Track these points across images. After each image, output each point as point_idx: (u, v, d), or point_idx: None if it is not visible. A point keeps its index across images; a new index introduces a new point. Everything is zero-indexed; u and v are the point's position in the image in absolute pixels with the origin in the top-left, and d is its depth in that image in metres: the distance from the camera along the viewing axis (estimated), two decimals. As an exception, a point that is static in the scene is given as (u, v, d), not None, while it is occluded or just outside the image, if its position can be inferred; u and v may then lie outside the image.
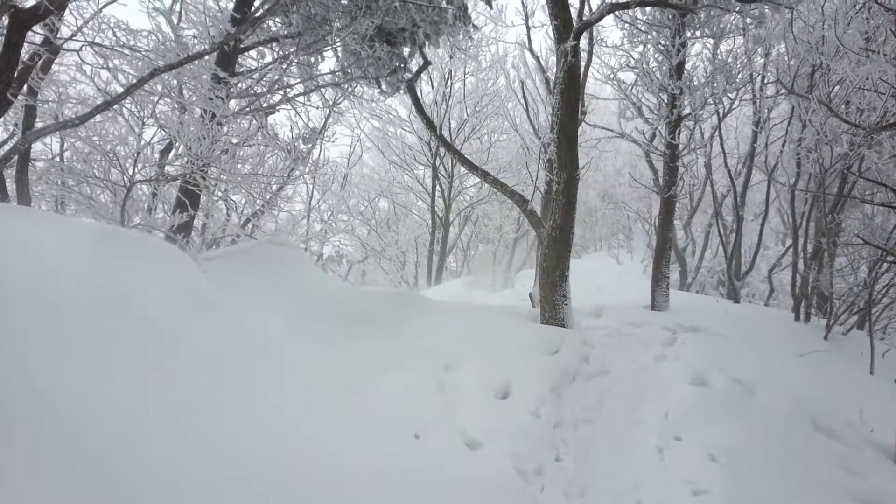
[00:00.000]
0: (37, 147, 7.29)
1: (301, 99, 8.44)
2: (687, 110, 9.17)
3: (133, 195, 6.02)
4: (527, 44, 11.06)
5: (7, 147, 6.36)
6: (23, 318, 2.79)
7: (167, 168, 6.70)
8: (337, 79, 8.30)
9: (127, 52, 6.07)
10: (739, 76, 9.83)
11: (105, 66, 5.93)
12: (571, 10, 7.38)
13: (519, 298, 12.36)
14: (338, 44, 7.64)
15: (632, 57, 9.60)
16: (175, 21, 7.10)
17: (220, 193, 7.77)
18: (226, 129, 6.62)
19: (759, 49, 10.12)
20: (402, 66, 8.10)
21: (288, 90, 8.14)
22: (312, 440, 3.72)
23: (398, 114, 19.05)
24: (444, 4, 7.53)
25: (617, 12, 8.62)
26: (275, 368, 4.31)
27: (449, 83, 17.87)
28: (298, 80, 8.21)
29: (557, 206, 7.22)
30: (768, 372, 5.89)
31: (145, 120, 6.24)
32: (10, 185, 6.35)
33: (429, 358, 5.61)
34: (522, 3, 10.73)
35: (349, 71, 8.02)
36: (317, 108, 9.95)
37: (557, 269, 7.28)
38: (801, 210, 9.44)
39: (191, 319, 3.89)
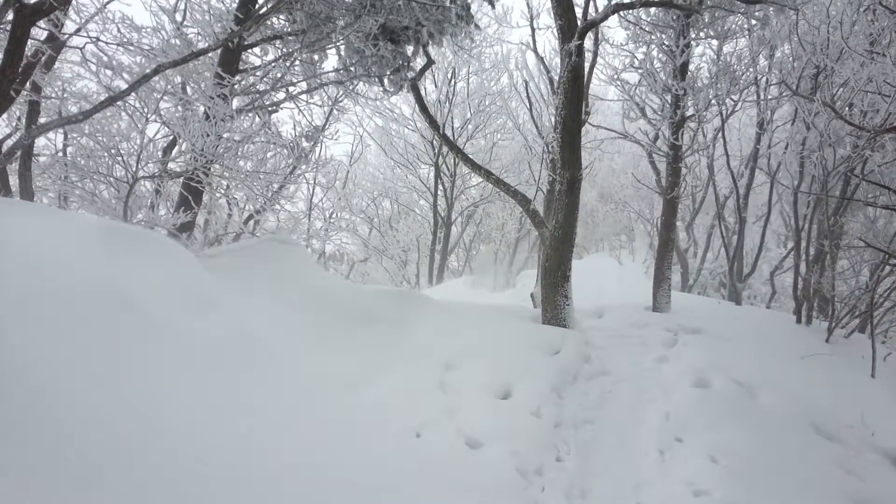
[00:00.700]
0: (40, 142, 7.30)
1: (304, 97, 8.44)
2: (690, 111, 9.16)
3: (136, 192, 6.02)
4: (531, 44, 11.05)
5: (10, 142, 6.36)
6: (24, 313, 2.79)
7: (170, 165, 6.70)
8: (340, 77, 8.29)
9: (131, 48, 6.07)
10: (743, 78, 9.82)
11: (109, 63, 5.93)
12: (576, 10, 7.37)
13: (520, 298, 12.38)
14: (341, 42, 7.63)
15: (636, 57, 9.60)
16: (179, 18, 7.11)
17: (222, 191, 7.77)
18: (229, 126, 6.62)
19: (763, 51, 10.11)
20: (406, 64, 8.09)
21: (291, 88, 8.14)
22: (313, 438, 3.72)
23: (402, 112, 19.07)
24: (447, 4, 7.52)
25: (621, 12, 8.62)
26: (276, 366, 4.32)
27: (452, 82, 17.87)
28: (302, 78, 8.21)
29: (560, 207, 7.22)
30: (769, 374, 5.89)
31: (149, 116, 6.24)
32: (14, 180, 6.36)
33: (430, 357, 5.61)
34: (528, 4, 10.71)
35: (352, 69, 8.02)
36: (320, 106, 9.95)
37: (559, 270, 7.27)
38: (804, 212, 9.42)
39: (193, 316, 3.89)
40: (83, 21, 5.90)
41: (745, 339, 7.13)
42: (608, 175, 23.03)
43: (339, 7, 7.13)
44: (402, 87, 8.43)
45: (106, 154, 6.13)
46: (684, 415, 4.94)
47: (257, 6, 7.11)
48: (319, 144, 10.39)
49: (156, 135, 6.55)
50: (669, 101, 9.05)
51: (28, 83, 5.62)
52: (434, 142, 18.82)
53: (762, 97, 11.40)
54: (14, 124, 7.39)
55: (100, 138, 6.07)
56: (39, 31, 5.98)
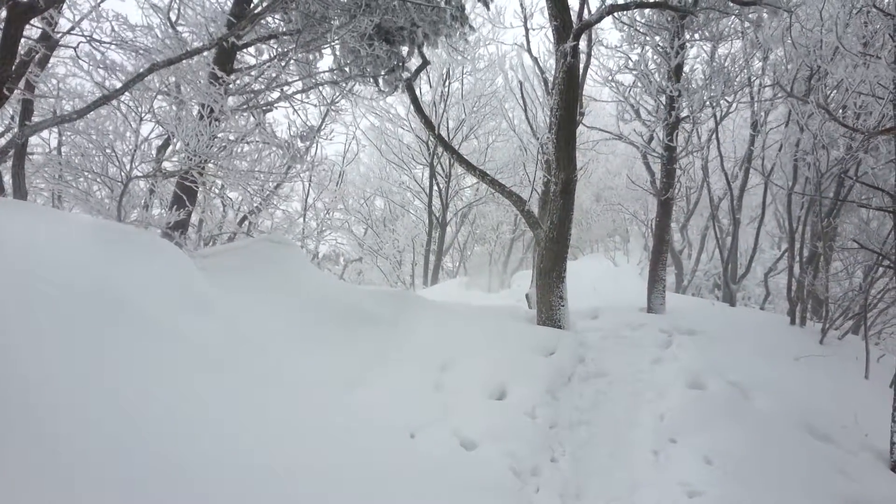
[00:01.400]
0: (34, 141, 7.25)
1: (299, 97, 8.42)
2: (685, 113, 9.18)
3: (130, 191, 5.99)
4: (525, 45, 11.04)
5: (4, 141, 6.33)
6: (18, 313, 2.77)
7: (165, 164, 6.67)
8: (335, 77, 8.28)
9: (125, 47, 6.05)
10: (737, 79, 9.84)
11: (103, 63, 5.90)
12: (571, 11, 7.38)
13: (515, 299, 12.36)
14: (337, 42, 7.62)
15: (630, 59, 9.61)
16: (174, 18, 7.08)
17: (216, 190, 7.76)
18: (223, 125, 6.60)
19: (756, 52, 10.14)
20: (401, 64, 8.09)
21: (286, 87, 8.13)
22: (307, 438, 3.71)
23: (397, 112, 19.05)
24: (442, 4, 7.52)
25: (616, 14, 8.62)
26: (270, 366, 4.30)
27: (447, 83, 17.87)
28: (297, 78, 8.19)
29: (555, 207, 7.22)
30: (764, 375, 5.90)
31: (143, 115, 6.22)
32: (7, 179, 6.33)
33: (425, 358, 5.61)
34: (521, 4, 10.71)
35: (348, 69, 8.01)
36: (315, 105, 9.93)
37: (554, 271, 7.28)
38: (798, 214, 9.45)
39: (187, 316, 3.88)
40: (77, 19, 5.88)
41: (740, 341, 7.15)
42: (603, 176, 23.04)
43: (335, 7, 7.12)
44: (398, 87, 8.43)
45: (100, 153, 6.10)
46: (679, 416, 4.95)
47: (252, 5, 7.09)
48: (314, 144, 10.38)
49: (150, 134, 6.53)
50: (664, 103, 9.06)
51: (22, 82, 5.60)
52: (429, 142, 18.80)
53: (756, 99, 11.43)
54: (7, 123, 7.35)
55: (94, 137, 6.04)
56: (34, 30, 5.95)
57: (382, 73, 8.01)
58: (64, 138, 7.18)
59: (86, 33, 5.95)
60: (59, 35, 5.86)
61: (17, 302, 2.82)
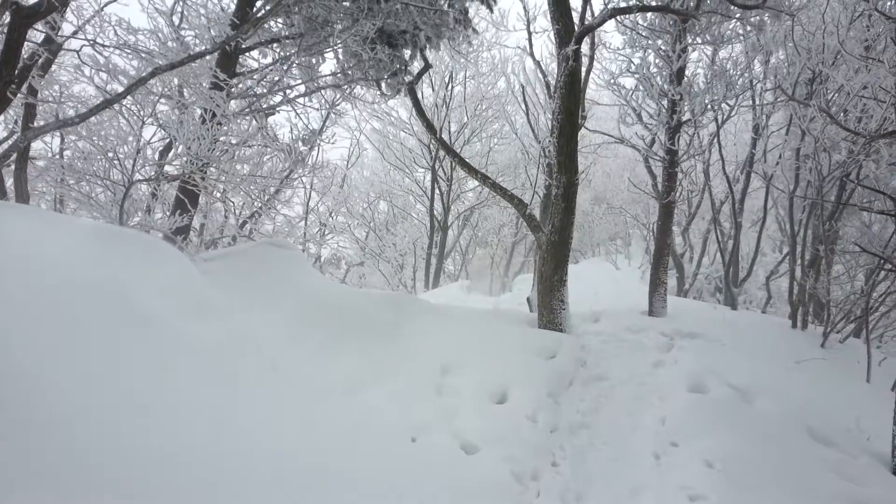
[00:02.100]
0: (37, 145, 7.28)
1: (301, 100, 8.44)
2: (686, 116, 9.18)
3: (132, 194, 6.00)
4: (528, 48, 11.05)
5: (6, 145, 6.35)
6: (21, 316, 2.78)
7: (166, 168, 6.69)
8: (338, 80, 8.30)
9: (128, 51, 6.07)
10: (739, 83, 9.85)
11: (105, 67, 5.92)
12: (573, 14, 7.39)
13: (517, 303, 12.35)
14: (339, 45, 7.64)
15: (632, 62, 9.62)
16: (177, 21, 7.10)
17: (218, 194, 7.76)
18: (225, 129, 6.61)
19: (758, 56, 10.14)
20: (403, 68, 8.10)
21: (288, 91, 8.14)
22: (309, 440, 3.71)
23: (399, 115, 19.08)
24: (445, 8, 7.54)
25: (618, 17, 8.63)
26: (271, 369, 4.31)
27: (450, 86, 17.89)
28: (299, 82, 8.21)
29: (556, 211, 7.23)
30: (765, 379, 5.90)
31: (145, 119, 6.23)
32: (10, 183, 6.34)
33: (426, 361, 5.61)
34: (524, 8, 10.72)
35: (350, 72, 8.02)
36: (317, 109, 9.95)
37: (556, 274, 7.28)
38: (799, 217, 9.44)
39: (188, 319, 3.89)
40: (80, 23, 5.90)
41: (741, 344, 7.14)
42: (604, 179, 23.06)
43: (337, 11, 7.14)
44: (400, 90, 8.44)
45: (102, 157, 6.12)
46: (680, 419, 4.95)
47: (255, 9, 7.11)
48: (316, 148, 10.39)
49: (152, 137, 6.54)
50: (666, 106, 9.07)
51: (24, 86, 5.61)
52: (431, 146, 18.83)
53: (758, 102, 11.43)
54: (10, 127, 7.37)
55: (96, 141, 6.05)
56: (36, 34, 5.98)
57: (385, 76, 8.02)
58: (66, 142, 7.20)
59: (89, 37, 5.97)
60: (62, 39, 5.88)
61: (21, 304, 2.83)
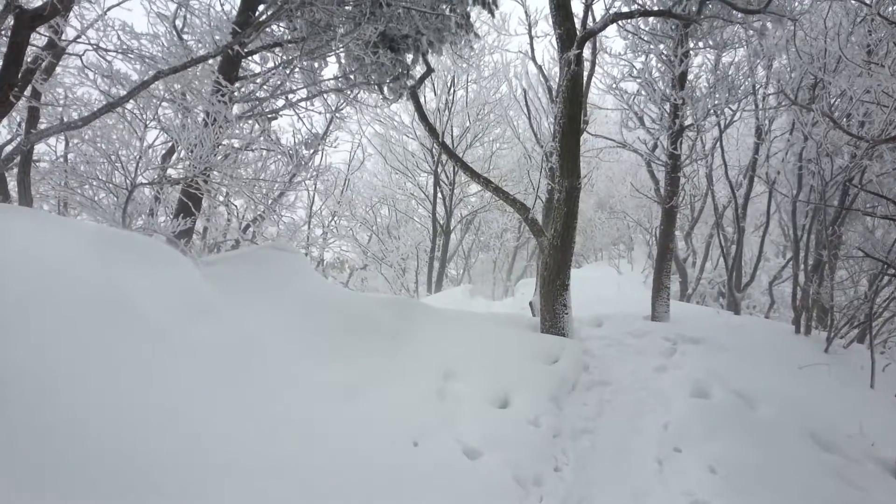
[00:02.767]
0: (40, 148, 7.30)
1: (304, 104, 8.45)
2: (689, 121, 9.19)
3: (135, 198, 6.01)
4: (530, 53, 11.06)
5: (10, 148, 6.36)
6: (23, 318, 2.78)
7: (169, 171, 6.70)
8: (340, 84, 8.31)
9: (131, 55, 6.08)
10: (741, 87, 9.85)
11: (108, 71, 5.94)
12: (575, 19, 7.40)
13: (519, 307, 12.35)
14: (341, 49, 7.65)
15: (634, 67, 9.63)
16: (180, 26, 7.12)
17: (221, 198, 7.77)
18: (228, 132, 6.62)
19: (760, 61, 10.15)
20: (405, 72, 8.11)
21: (291, 95, 8.15)
22: (311, 445, 3.70)
23: (401, 120, 19.12)
24: (447, 12, 7.55)
25: (620, 22, 8.65)
26: (273, 373, 4.30)
27: (452, 91, 17.92)
28: (302, 86, 8.22)
29: (559, 215, 7.22)
30: (768, 384, 5.88)
31: (148, 123, 6.24)
32: (13, 186, 6.35)
33: (428, 365, 5.59)
34: (526, 12, 10.74)
35: (352, 77, 8.03)
36: (319, 113, 9.96)
37: (558, 279, 7.27)
38: (802, 222, 9.43)
39: (190, 322, 3.88)
40: (83, 27, 5.91)
41: (744, 349, 7.12)
42: (607, 184, 23.06)
43: (339, 15, 7.15)
44: (402, 94, 8.45)
45: (105, 160, 6.13)
46: (683, 425, 4.94)
47: (257, 13, 7.13)
48: (319, 152, 10.40)
49: (155, 141, 6.56)
50: (668, 111, 9.07)
51: (28, 89, 5.63)
52: (433, 150, 18.85)
53: (760, 107, 11.43)
54: (14, 130, 7.39)
55: (99, 144, 6.06)
56: (40, 38, 5.99)
57: (387, 80, 8.03)
58: (71, 146, 7.22)
59: (92, 41, 5.99)
60: (65, 43, 5.90)
61: (22, 307, 2.83)
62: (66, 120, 6.36)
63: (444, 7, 7.54)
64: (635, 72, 9.57)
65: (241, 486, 2.97)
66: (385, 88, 8.26)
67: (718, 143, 12.28)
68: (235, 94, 7.10)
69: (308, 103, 8.45)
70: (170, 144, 6.86)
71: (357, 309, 6.22)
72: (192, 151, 5.97)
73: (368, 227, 21.68)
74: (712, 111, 9.76)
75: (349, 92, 8.55)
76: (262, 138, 7.36)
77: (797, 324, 8.51)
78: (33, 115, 6.12)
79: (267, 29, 7.21)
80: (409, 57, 8.08)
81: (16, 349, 2.63)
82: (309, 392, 4.41)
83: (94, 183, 6.28)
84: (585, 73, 8.65)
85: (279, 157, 7.77)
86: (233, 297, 4.94)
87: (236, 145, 7.08)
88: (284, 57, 7.78)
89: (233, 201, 8.15)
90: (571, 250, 7.40)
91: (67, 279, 3.21)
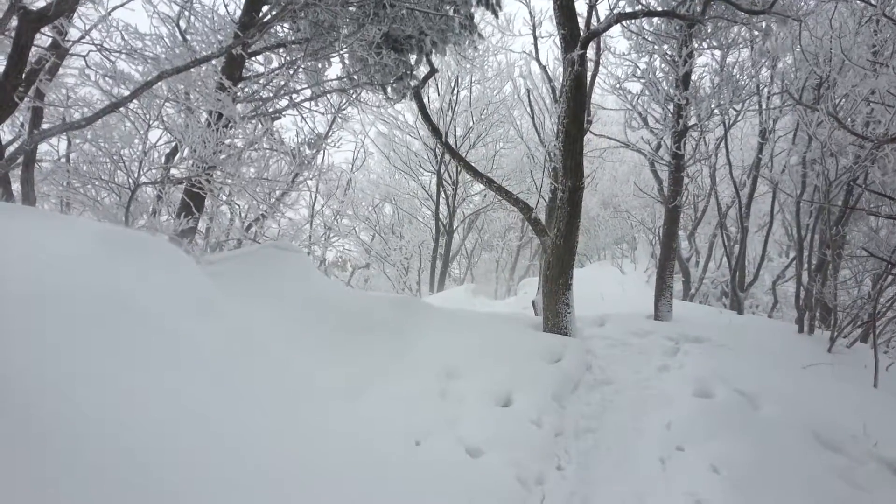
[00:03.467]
0: (43, 148, 7.32)
1: (307, 104, 8.47)
2: (693, 121, 9.17)
3: (138, 197, 6.02)
4: (534, 53, 11.06)
5: (13, 147, 6.38)
6: (24, 317, 2.79)
7: (172, 171, 6.72)
8: (343, 84, 8.32)
9: (134, 55, 6.10)
10: (746, 88, 9.83)
11: (111, 72, 5.95)
12: (579, 19, 7.39)
13: (522, 306, 12.36)
14: (345, 50, 7.66)
15: (638, 67, 9.62)
16: (183, 26, 7.13)
17: (224, 197, 7.78)
18: (231, 132, 6.63)
19: (765, 61, 10.13)
20: (409, 73, 8.12)
21: (294, 95, 8.16)
22: (313, 443, 3.71)
23: (405, 119, 19.14)
24: (451, 13, 7.55)
25: (624, 22, 8.64)
26: (276, 372, 4.31)
27: (455, 91, 17.93)
28: (305, 86, 8.23)
29: (562, 215, 7.22)
30: (771, 384, 5.87)
31: (151, 122, 6.26)
32: (16, 186, 6.37)
33: (431, 364, 5.60)
34: (530, 13, 10.74)
35: (356, 77, 8.04)
36: (323, 113, 9.98)
37: (561, 278, 7.27)
38: (806, 222, 9.41)
39: (193, 321, 3.89)
40: (87, 28, 5.93)
41: (747, 349, 7.11)
42: (610, 183, 23.05)
43: (343, 16, 7.16)
44: (406, 95, 8.47)
45: (108, 160, 6.14)
46: (686, 424, 4.93)
47: (261, 14, 7.14)
48: (322, 152, 10.41)
49: (158, 140, 6.57)
50: (672, 111, 9.06)
51: (32, 89, 5.65)
52: (436, 150, 18.86)
53: (764, 107, 11.41)
54: (17, 130, 7.41)
55: (102, 144, 6.08)
56: (44, 39, 6.01)
57: (390, 81, 8.04)
58: (73, 146, 7.23)
59: (96, 42, 6.01)
60: (69, 44, 5.92)
61: (23, 304, 2.83)
62: (68, 120, 6.38)
63: (448, 8, 7.55)
64: (639, 72, 9.56)
65: (236, 484, 2.97)
66: (388, 89, 8.28)
67: (722, 142, 12.26)
68: (239, 94, 7.11)
69: (311, 103, 8.46)
70: (173, 144, 6.87)
71: (359, 308, 6.23)
72: (195, 151, 5.99)
73: (371, 227, 21.70)
74: (716, 111, 9.74)
75: (353, 92, 8.56)
76: (265, 138, 7.37)
77: (800, 323, 8.50)
78: (37, 115, 6.14)
79: (271, 30, 7.22)
80: (413, 57, 8.09)
81: (19, 348, 2.64)
82: (311, 391, 4.42)
83: (97, 182, 6.29)
84: (589, 74, 8.66)
85: (282, 156, 7.79)
86: (236, 296, 4.95)
87: (239, 145, 7.09)
88: (288, 57, 7.80)
89: (236, 201, 8.15)
90: (574, 250, 7.39)
91: (71, 278, 3.22)
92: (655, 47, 9.21)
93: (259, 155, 7.52)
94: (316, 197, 15.08)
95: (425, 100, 9.58)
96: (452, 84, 17.85)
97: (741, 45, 9.64)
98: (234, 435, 3.26)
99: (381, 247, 21.26)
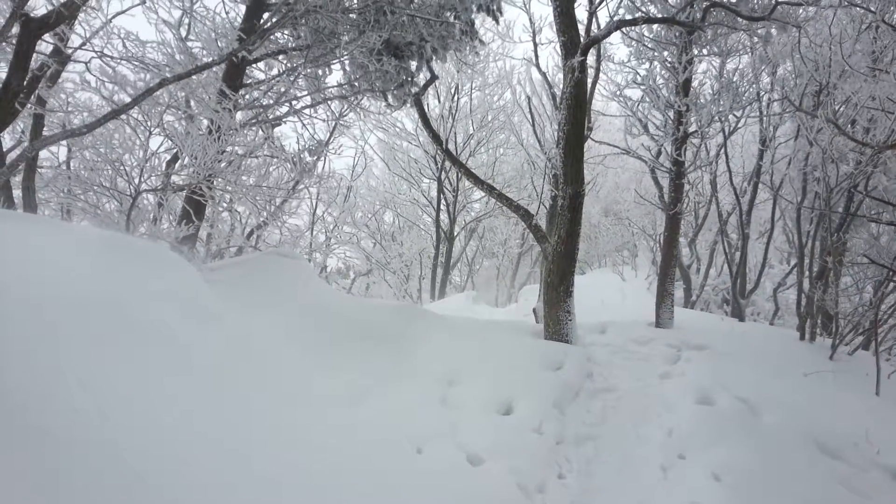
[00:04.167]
0: (44, 155, 7.32)
1: (308, 111, 8.47)
2: (693, 128, 9.18)
3: (139, 204, 6.03)
4: (534, 60, 11.09)
5: (14, 154, 6.39)
6: (25, 324, 2.78)
7: (173, 178, 6.72)
8: (344, 91, 8.33)
9: (135, 62, 6.11)
10: (746, 94, 9.84)
11: (113, 79, 5.97)
12: (579, 26, 7.40)
13: (523, 314, 12.33)
14: (346, 57, 7.67)
15: (638, 74, 9.62)
16: (184, 33, 7.15)
17: (225, 204, 7.79)
18: (232, 139, 6.64)
19: (765, 67, 10.14)
20: (409, 79, 8.13)
21: (295, 102, 8.18)
22: (313, 450, 3.69)
23: (405, 127, 19.15)
24: (451, 20, 7.56)
25: (624, 29, 8.65)
26: (276, 379, 4.30)
27: (456, 97, 17.96)
28: (306, 93, 8.25)
29: (562, 222, 7.21)
30: (773, 391, 5.85)
31: (152, 130, 6.27)
32: (17, 193, 6.38)
33: (431, 372, 5.59)
34: (530, 20, 10.77)
35: (356, 84, 8.05)
36: (323, 120, 9.99)
37: (562, 285, 7.26)
38: (807, 229, 9.41)
39: (192, 328, 3.88)
40: (88, 35, 5.95)
41: (749, 356, 7.09)
42: (611, 190, 23.05)
43: (344, 22, 7.18)
44: (406, 101, 8.47)
45: (109, 167, 6.15)
46: (687, 432, 4.91)
47: (262, 21, 7.15)
48: (322, 158, 10.42)
49: (159, 148, 6.58)
50: (672, 118, 9.06)
51: (33, 96, 5.66)
52: (437, 156, 18.87)
53: (765, 114, 11.42)
54: (18, 137, 7.42)
55: (103, 151, 6.09)
56: (45, 46, 6.02)
57: (391, 87, 8.05)
58: (73, 152, 7.24)
59: (97, 49, 6.02)
60: (70, 51, 5.93)
61: (24, 311, 2.83)
62: (68, 126, 6.39)
63: (449, 14, 7.56)
64: (639, 79, 9.56)
65: (242, 489, 2.96)
66: (389, 95, 8.29)
67: (723, 149, 12.26)
68: (240, 101, 7.12)
69: (312, 110, 8.48)
70: (174, 151, 6.88)
71: (360, 315, 6.23)
72: (196, 158, 5.99)
73: (371, 234, 21.70)
74: (717, 118, 9.74)
75: (353, 99, 8.57)
76: (265, 145, 7.38)
77: (802, 331, 8.48)
78: (38, 123, 6.15)
79: (272, 37, 7.24)
80: (413, 64, 8.10)
81: (19, 355, 2.63)
82: (312, 398, 4.41)
83: (98, 189, 6.30)
84: (589, 80, 8.67)
85: (282, 163, 7.79)
86: (236, 303, 4.95)
87: (240, 152, 7.10)
88: (289, 64, 7.81)
89: (236, 208, 8.16)
90: (575, 257, 7.38)
91: (71, 285, 3.21)
92: (655, 54, 9.22)
93: (259, 162, 7.52)
94: (317, 203, 15.09)
95: (425, 106, 9.59)
96: (453, 91, 17.88)
97: (741, 52, 9.65)
98: (232, 441, 3.25)
99: (381, 254, 21.26)
